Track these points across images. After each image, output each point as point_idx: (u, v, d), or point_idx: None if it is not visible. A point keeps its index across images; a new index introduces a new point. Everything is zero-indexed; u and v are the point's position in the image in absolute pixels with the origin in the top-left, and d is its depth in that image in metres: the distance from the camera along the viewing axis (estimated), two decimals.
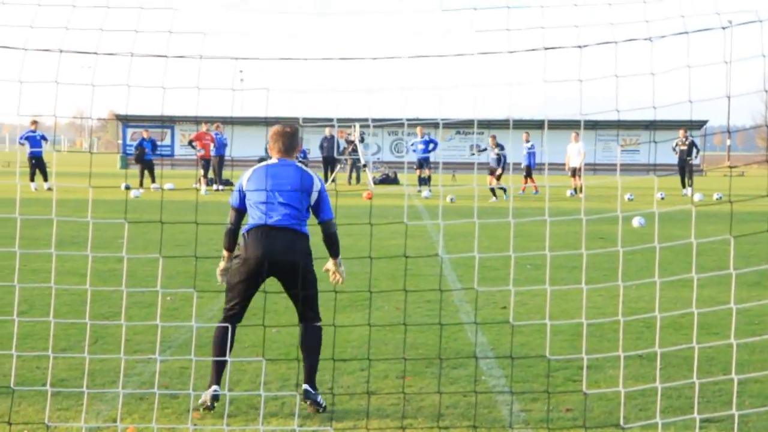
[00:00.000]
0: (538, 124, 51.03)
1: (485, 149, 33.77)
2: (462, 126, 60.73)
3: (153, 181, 34.56)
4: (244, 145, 52.30)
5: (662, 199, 30.53)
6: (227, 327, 6.77)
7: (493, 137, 32.79)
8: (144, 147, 34.84)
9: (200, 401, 6.71)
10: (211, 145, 33.15)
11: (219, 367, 6.76)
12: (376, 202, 27.69)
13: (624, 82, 6.27)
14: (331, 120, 42.31)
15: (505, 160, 31.85)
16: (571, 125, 46.96)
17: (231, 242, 6.95)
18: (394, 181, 42.55)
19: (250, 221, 6.81)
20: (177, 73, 6.65)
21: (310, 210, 6.90)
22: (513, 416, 6.71)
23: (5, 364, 7.71)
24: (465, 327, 9.68)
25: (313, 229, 6.94)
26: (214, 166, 33.52)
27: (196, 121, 37.31)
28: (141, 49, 6.19)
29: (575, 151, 34.20)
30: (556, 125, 56.47)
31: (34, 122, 32.57)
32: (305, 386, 6.76)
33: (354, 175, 42.31)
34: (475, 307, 10.70)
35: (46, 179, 32.31)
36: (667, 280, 9.13)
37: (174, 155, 64.94)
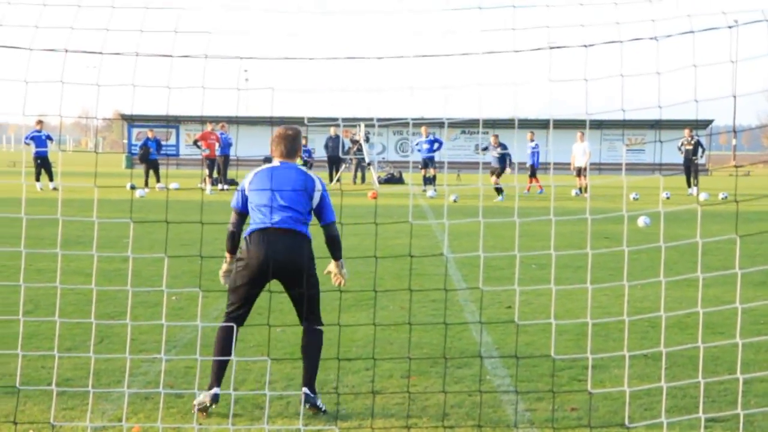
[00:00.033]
0: (543, 124, 50.99)
1: (486, 148, 33.68)
2: (467, 125, 60.71)
3: (158, 180, 34.57)
4: (249, 144, 52.39)
5: (667, 198, 30.48)
6: (229, 329, 6.76)
7: (495, 136, 32.76)
8: (148, 147, 34.86)
9: (197, 401, 6.68)
10: (216, 144, 33.17)
11: (220, 370, 6.73)
12: (381, 202, 27.70)
13: (629, 82, 6.26)
14: (336, 119, 42.35)
15: (510, 159, 31.85)
16: (576, 125, 46.94)
17: (233, 245, 6.94)
18: (399, 180, 42.55)
19: (252, 224, 6.80)
20: (182, 73, 6.66)
21: (312, 213, 6.89)
22: (518, 416, 6.70)
23: (11, 364, 7.72)
24: (470, 326, 9.68)
25: (314, 230, 6.93)
26: (220, 165, 33.54)
27: (201, 120, 37.37)
28: (146, 49, 6.20)
29: (580, 150, 34.16)
30: (562, 125, 56.42)
31: (40, 122, 32.61)
32: (305, 390, 6.72)
33: (359, 174, 42.31)
34: (480, 306, 10.69)
35: (51, 179, 32.36)
36: (673, 279, 9.13)
37: (179, 155, 64.97)
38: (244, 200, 6.87)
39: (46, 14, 6.12)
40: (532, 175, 35.62)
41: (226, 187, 32.87)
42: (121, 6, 6.10)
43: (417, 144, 35.15)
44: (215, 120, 35.57)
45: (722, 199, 30.60)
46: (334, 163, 40.37)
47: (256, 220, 6.77)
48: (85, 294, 10.55)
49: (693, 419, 6.46)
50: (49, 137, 32.87)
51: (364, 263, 12.23)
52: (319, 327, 6.90)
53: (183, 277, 12.28)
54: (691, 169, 34.62)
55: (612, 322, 9.46)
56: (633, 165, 64.19)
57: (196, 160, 55.82)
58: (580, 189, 33.37)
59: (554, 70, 6.16)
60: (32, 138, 32.21)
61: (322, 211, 6.88)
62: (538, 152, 36.33)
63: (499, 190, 30.77)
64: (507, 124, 56.54)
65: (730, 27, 6.25)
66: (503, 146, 31.96)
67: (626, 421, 6.46)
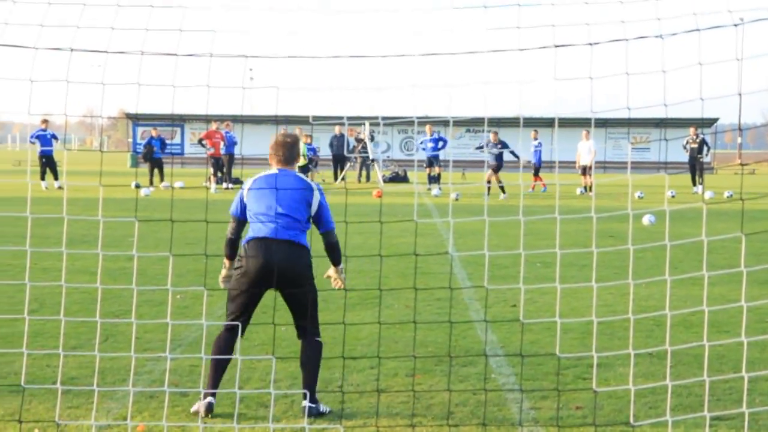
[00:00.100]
0: (548, 122, 50.96)
1: (480, 147, 33.60)
2: (472, 124, 60.68)
3: (162, 179, 34.58)
4: (254, 143, 52.35)
5: (673, 197, 30.45)
6: (227, 338, 6.75)
7: (495, 133, 32.73)
8: (152, 145, 34.88)
9: (193, 408, 6.66)
10: (221, 143, 33.19)
11: (216, 379, 6.67)
12: (385, 200, 27.70)
13: (635, 80, 6.26)
14: (341, 118, 42.35)
15: (515, 154, 31.86)
16: (581, 123, 46.87)
17: (232, 251, 6.92)
18: (403, 179, 42.54)
19: (251, 232, 6.78)
20: (187, 72, 6.66)
21: (311, 221, 6.88)
22: (522, 414, 6.70)
23: (16, 362, 7.73)
24: (475, 325, 9.68)
25: (313, 234, 6.92)
26: (224, 164, 33.55)
27: (206, 119, 37.37)
28: (151, 48, 6.20)
29: (586, 149, 34.12)
30: (567, 123, 56.39)
31: (45, 121, 32.64)
32: (306, 404, 6.62)
33: (364, 173, 42.32)
34: (485, 305, 10.69)
35: (56, 178, 32.39)
36: (678, 278, 9.11)
37: (184, 154, 64.99)
38: (243, 208, 6.85)
39: (51, 13, 6.13)
40: (535, 173, 35.59)
41: (230, 185, 32.89)
42: (126, 5, 6.10)
43: (422, 142, 35.13)
44: (220, 119, 35.60)
45: (727, 197, 30.56)
46: (338, 161, 40.38)
47: (254, 227, 6.76)
48: (90, 293, 10.56)
49: (698, 418, 6.45)
50: (54, 136, 32.90)
51: (369, 262, 12.23)
52: (317, 339, 6.86)
53: (188, 275, 12.29)
54: (696, 167, 34.59)
55: (617, 321, 9.45)
56: (638, 163, 64.06)
57: (201, 158, 55.78)
58: (585, 187, 33.34)
59: (559, 69, 6.16)
60: (37, 137, 32.23)
61: (320, 218, 6.86)
62: (540, 150, 36.29)
63: (502, 189, 30.74)
64: (512, 122, 56.46)
65: (735, 25, 6.24)
66: (503, 144, 31.91)
67: (631, 420, 6.46)
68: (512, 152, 32.49)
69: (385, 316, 9.79)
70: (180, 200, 27.21)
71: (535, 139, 36.49)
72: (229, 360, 6.76)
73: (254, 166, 31.92)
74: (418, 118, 8.05)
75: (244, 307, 6.74)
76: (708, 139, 36.66)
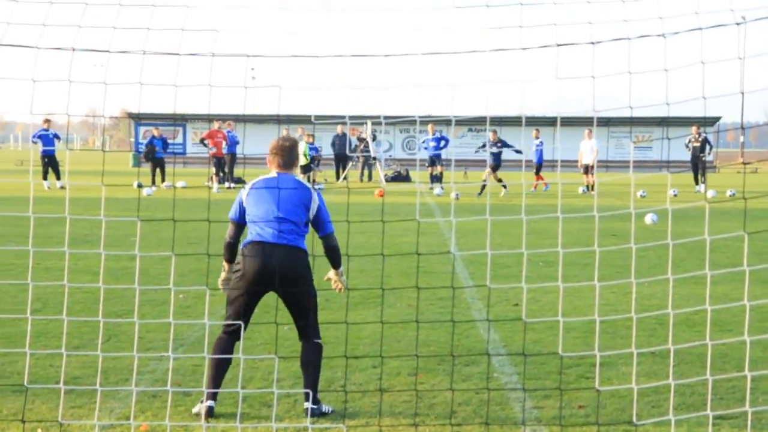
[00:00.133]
0: (550, 121, 50.93)
1: (484, 145, 33.60)
2: (474, 123, 60.66)
3: (163, 180, 34.57)
4: (256, 142, 52.36)
5: (675, 195, 30.44)
6: (226, 342, 6.74)
7: (494, 132, 32.72)
8: (154, 145, 34.89)
9: (194, 409, 6.67)
10: (223, 143, 33.21)
11: (215, 384, 6.66)
12: (388, 200, 27.69)
13: (637, 79, 6.25)
14: (343, 117, 42.36)
15: (516, 150, 31.94)
16: (583, 122, 46.85)
17: (231, 255, 6.90)
18: (406, 178, 42.55)
19: (249, 236, 6.77)
20: (189, 71, 6.66)
21: (309, 225, 6.87)
22: (525, 413, 6.70)
23: (19, 362, 7.74)
24: (477, 324, 9.68)
25: (313, 237, 6.91)
26: (227, 163, 33.57)
27: (209, 118, 37.38)
28: (153, 47, 6.20)
29: (588, 148, 34.11)
30: (569, 122, 56.36)
31: (47, 121, 32.64)
32: (308, 405, 6.60)
33: (366, 172, 42.33)
34: (488, 304, 10.69)
35: (58, 177, 32.40)
36: (680, 277, 9.11)
37: (186, 153, 65.02)
38: (242, 212, 6.84)
39: (53, 13, 6.13)
40: (537, 172, 35.58)
41: (233, 185, 32.90)
42: (128, 4, 6.10)
43: (424, 142, 35.12)
44: (222, 118, 35.62)
45: (730, 196, 30.54)
46: (341, 161, 40.39)
47: (253, 231, 6.75)
48: (93, 292, 10.57)
49: (701, 416, 6.45)
50: (56, 136, 32.91)
51: (371, 261, 12.22)
52: (317, 340, 6.86)
53: (190, 275, 12.29)
54: (698, 166, 34.58)
55: (619, 320, 9.45)
56: (640, 162, 64.08)
57: (203, 158, 55.88)
58: (588, 186, 33.32)
59: (562, 68, 6.16)
60: (39, 136, 32.25)
61: (319, 222, 6.85)
62: (542, 150, 36.27)
63: (503, 185, 30.72)
64: (514, 121, 56.45)
65: (737, 24, 6.23)
66: (503, 142, 31.89)
67: (634, 419, 6.46)
68: (515, 150, 32.48)
69: (387, 316, 9.79)
70: (182, 200, 27.22)
71: (537, 138, 36.47)
72: (229, 363, 6.76)
73: (256, 166, 31.94)
74: (420, 117, 8.04)
75: (243, 310, 6.73)
76: (710, 137, 36.67)
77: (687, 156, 35.94)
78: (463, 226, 19.10)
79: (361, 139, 41.30)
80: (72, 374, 7.51)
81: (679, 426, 6.37)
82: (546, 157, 37.68)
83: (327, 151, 44.39)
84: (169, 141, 38.74)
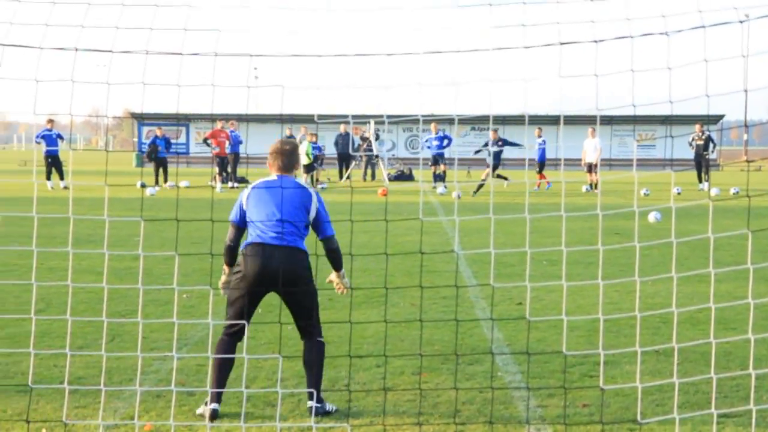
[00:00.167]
0: (553, 120, 50.91)
1: (486, 144, 33.59)
2: (477, 122, 60.66)
3: (166, 180, 34.56)
4: (259, 142, 52.36)
5: (678, 194, 30.40)
6: (227, 344, 6.74)
7: (494, 131, 32.73)
8: (157, 145, 34.91)
9: (198, 411, 6.67)
10: (227, 142, 33.23)
11: (219, 386, 6.65)
12: (391, 199, 27.70)
13: (640, 77, 6.24)
14: (346, 117, 42.36)
15: (518, 144, 32.03)
16: (586, 121, 46.80)
17: (231, 258, 6.90)
18: (409, 177, 42.56)
19: (250, 237, 6.77)
20: (192, 71, 6.66)
21: (310, 227, 6.87)
22: (529, 412, 6.70)
23: (23, 362, 7.74)
24: (481, 323, 9.67)
25: (313, 239, 6.91)
26: (230, 163, 33.57)
27: (212, 118, 37.39)
28: (156, 47, 6.19)
29: (591, 146, 34.09)
30: (572, 121, 56.33)
31: (50, 121, 32.68)
32: (312, 404, 6.62)
33: (369, 171, 42.34)
34: (491, 303, 10.68)
35: (62, 177, 32.44)
36: (684, 275, 9.11)
37: (189, 153, 65.06)
38: (242, 214, 6.84)
39: (55, 13, 6.13)
40: (539, 170, 35.56)
41: (236, 185, 32.91)
42: (131, 4, 6.10)
43: (427, 141, 35.14)
44: (225, 118, 35.62)
45: (734, 194, 30.49)
46: (344, 160, 40.41)
47: (253, 232, 6.75)
48: (97, 292, 10.58)
49: (705, 415, 6.45)
50: (59, 136, 32.95)
51: (375, 260, 12.23)
52: (319, 339, 6.86)
53: (194, 275, 12.30)
54: (702, 164, 34.54)
55: (623, 318, 9.44)
56: (644, 160, 64.02)
57: (207, 158, 55.87)
58: (591, 185, 33.30)
59: (564, 66, 6.15)
60: (43, 137, 32.29)
61: (319, 224, 6.84)
62: (545, 148, 36.26)
63: (504, 177, 30.74)
64: (517, 120, 56.46)
65: (741, 22, 6.22)
66: (504, 141, 31.89)
67: (638, 417, 6.45)
68: (516, 144, 32.49)
69: (391, 315, 9.79)
70: (185, 199, 27.24)
71: (540, 136, 36.46)
72: (232, 364, 6.75)
73: (259, 165, 31.92)
74: (423, 116, 8.03)
75: (243, 310, 6.74)
76: (714, 135, 36.60)
77: (690, 154, 35.89)
78: (466, 225, 19.10)
79: (364, 138, 41.31)
80: (76, 374, 7.51)
81: (683, 424, 6.36)
82: (549, 155, 37.66)
83: (330, 151, 44.41)
84: (172, 141, 38.77)
